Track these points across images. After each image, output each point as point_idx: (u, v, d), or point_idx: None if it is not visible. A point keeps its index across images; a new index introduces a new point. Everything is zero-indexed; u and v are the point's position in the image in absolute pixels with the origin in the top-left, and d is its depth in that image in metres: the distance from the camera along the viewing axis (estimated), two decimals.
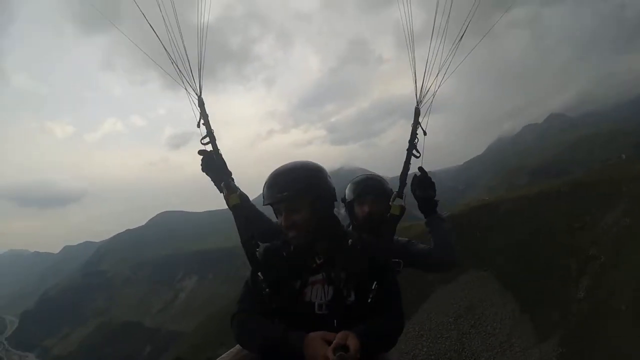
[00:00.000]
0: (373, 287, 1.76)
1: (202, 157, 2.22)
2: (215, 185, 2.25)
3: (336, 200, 1.92)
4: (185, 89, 2.12)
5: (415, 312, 15.73)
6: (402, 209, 2.22)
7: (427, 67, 2.23)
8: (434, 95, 2.28)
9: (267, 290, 1.77)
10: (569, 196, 16.38)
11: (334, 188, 1.88)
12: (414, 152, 2.30)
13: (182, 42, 2.04)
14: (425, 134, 2.28)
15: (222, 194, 2.17)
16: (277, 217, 1.84)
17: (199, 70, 2.12)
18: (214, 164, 2.20)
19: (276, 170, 1.83)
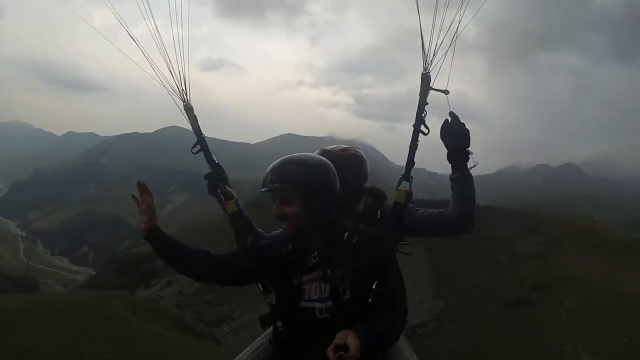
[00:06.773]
0: (373, 287, 1.68)
1: (207, 181, 2.25)
2: (218, 201, 2.24)
3: (336, 199, 1.74)
4: (170, 94, 2.12)
5: None
6: (409, 194, 2.07)
7: (436, 19, 1.95)
8: (444, 56, 2.00)
9: (271, 294, 1.82)
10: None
11: (336, 186, 1.74)
12: (422, 127, 2.06)
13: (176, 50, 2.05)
14: (447, 92, 2.02)
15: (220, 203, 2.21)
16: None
17: (186, 79, 2.11)
18: (216, 185, 2.22)
19: (279, 158, 1.75)
